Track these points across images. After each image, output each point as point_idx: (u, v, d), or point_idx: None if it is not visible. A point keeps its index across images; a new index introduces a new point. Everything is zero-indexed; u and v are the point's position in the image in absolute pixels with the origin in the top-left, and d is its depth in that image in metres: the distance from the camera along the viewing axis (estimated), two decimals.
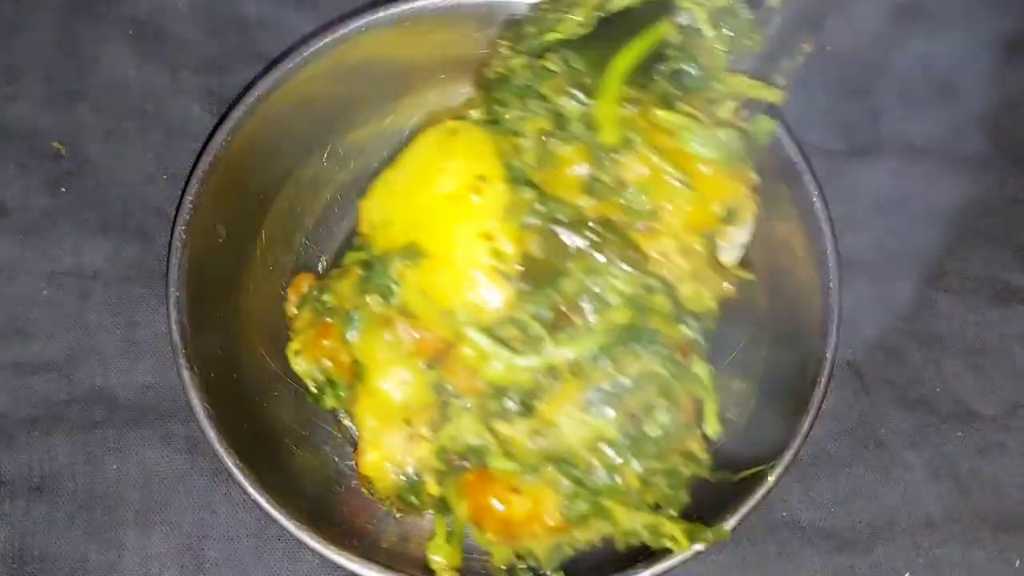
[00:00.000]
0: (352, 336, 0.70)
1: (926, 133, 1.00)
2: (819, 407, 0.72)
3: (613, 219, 0.68)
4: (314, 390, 0.74)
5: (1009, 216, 0.96)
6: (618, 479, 0.65)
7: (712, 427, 0.69)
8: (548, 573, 0.69)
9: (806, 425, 0.71)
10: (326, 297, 0.72)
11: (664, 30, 0.72)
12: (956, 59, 1.03)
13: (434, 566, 0.72)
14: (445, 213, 0.67)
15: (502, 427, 0.65)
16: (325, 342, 0.72)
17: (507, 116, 0.69)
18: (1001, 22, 1.05)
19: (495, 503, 0.66)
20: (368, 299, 0.70)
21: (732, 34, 0.72)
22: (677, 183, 0.67)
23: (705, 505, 0.72)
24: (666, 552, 0.68)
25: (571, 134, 0.68)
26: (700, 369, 0.68)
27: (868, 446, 0.86)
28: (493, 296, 0.65)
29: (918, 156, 0.98)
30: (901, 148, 0.99)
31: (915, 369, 0.89)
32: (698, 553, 0.68)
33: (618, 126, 0.68)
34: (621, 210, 0.68)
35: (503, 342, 0.65)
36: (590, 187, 0.68)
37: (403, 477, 0.70)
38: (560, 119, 0.68)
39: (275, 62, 0.78)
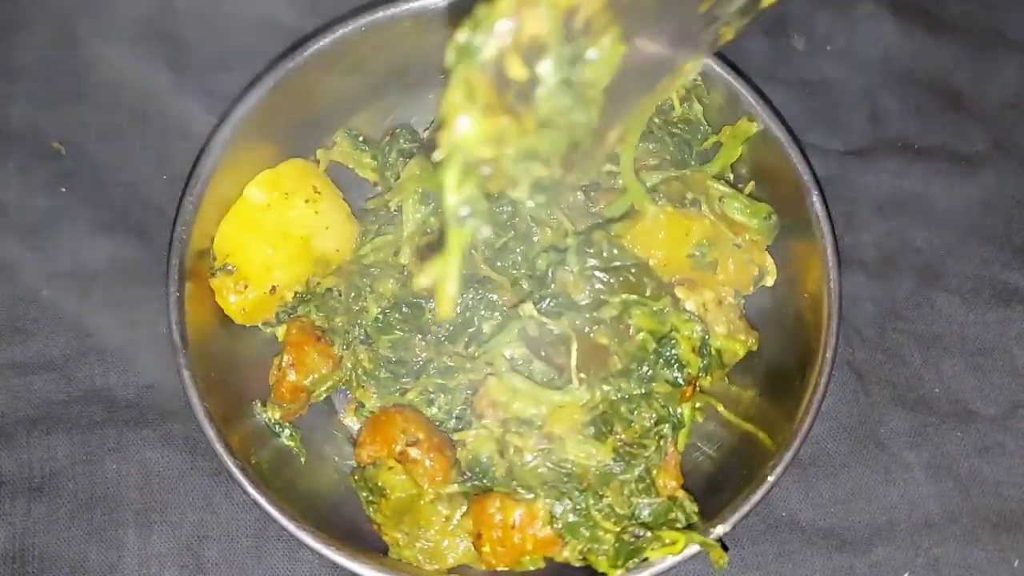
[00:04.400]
0: None
1: (926, 133, 1.00)
2: (819, 407, 0.72)
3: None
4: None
5: (1009, 216, 0.96)
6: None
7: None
8: None
9: (806, 425, 0.71)
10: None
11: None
12: (956, 59, 1.03)
13: None
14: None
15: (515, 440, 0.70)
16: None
17: None
18: (1001, 22, 1.05)
19: (495, 512, 0.70)
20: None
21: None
22: (734, 243, 0.77)
23: (705, 504, 0.73)
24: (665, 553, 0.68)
25: None
26: (686, 410, 0.74)
27: (868, 446, 0.86)
28: None
29: (918, 156, 0.98)
30: (901, 148, 0.99)
31: (915, 369, 0.89)
32: (697, 553, 0.68)
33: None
34: (690, 261, 0.76)
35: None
36: None
37: None
38: None
39: (275, 62, 0.78)
